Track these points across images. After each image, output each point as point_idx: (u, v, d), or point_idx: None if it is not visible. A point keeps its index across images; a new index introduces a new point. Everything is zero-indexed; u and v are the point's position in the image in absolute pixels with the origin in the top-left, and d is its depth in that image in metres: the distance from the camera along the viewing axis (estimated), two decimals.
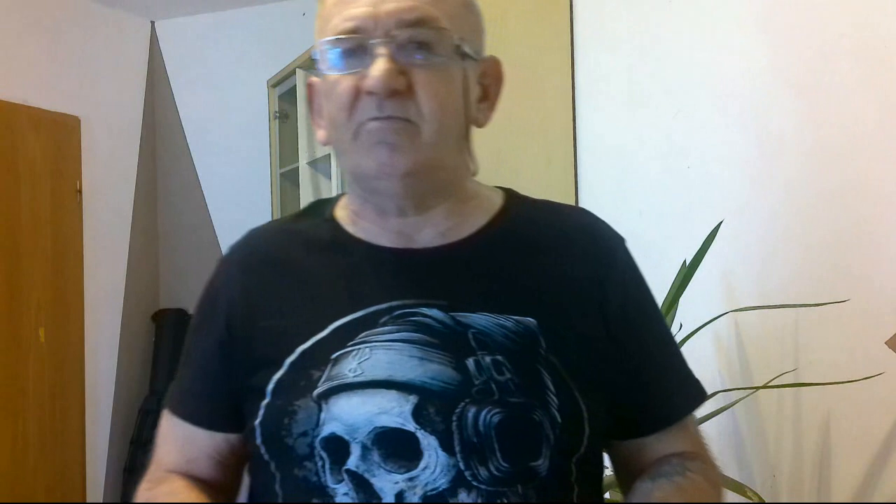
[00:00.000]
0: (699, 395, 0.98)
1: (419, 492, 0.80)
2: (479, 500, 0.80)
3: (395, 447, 0.81)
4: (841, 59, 1.65)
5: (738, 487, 1.59)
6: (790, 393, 1.74)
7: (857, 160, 1.62)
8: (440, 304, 0.87)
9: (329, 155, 3.39)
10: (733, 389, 1.75)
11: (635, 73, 2.21)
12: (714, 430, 1.82)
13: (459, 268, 0.91)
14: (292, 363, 0.87)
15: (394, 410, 0.81)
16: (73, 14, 4.16)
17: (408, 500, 0.80)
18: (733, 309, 1.79)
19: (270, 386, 0.87)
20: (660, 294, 1.76)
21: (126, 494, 4.14)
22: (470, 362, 0.84)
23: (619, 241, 0.98)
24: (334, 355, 0.86)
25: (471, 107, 0.91)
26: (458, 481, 0.80)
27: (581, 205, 2.37)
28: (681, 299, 1.77)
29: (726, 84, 1.93)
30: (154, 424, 1.01)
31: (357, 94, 0.86)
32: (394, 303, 0.87)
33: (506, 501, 0.80)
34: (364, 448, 0.81)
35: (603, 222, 1.00)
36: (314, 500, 0.83)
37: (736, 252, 1.86)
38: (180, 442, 0.96)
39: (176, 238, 4.61)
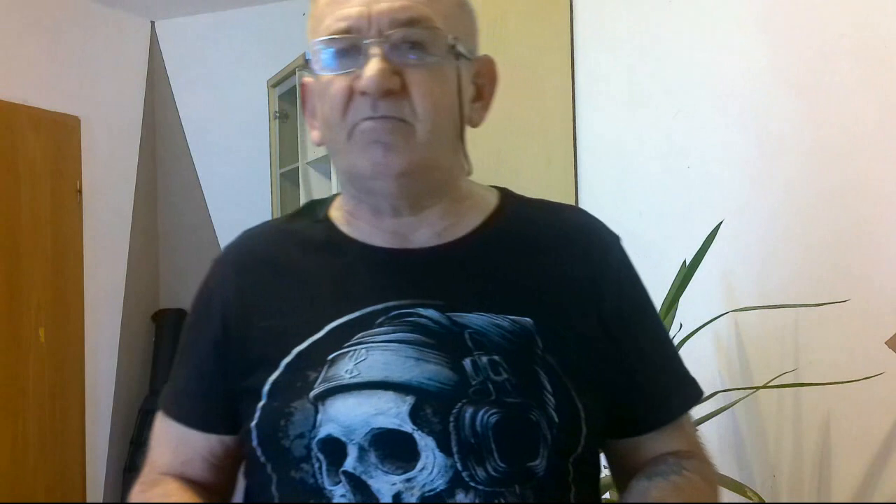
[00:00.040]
0: (695, 394, 0.98)
1: (417, 493, 0.79)
2: (477, 501, 0.79)
3: (393, 448, 0.81)
4: (841, 59, 1.65)
5: (738, 487, 1.59)
6: (790, 393, 1.74)
7: (857, 160, 1.62)
8: (436, 304, 0.87)
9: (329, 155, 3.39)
10: (733, 389, 1.75)
11: (635, 73, 2.21)
12: (714, 430, 1.82)
13: (455, 268, 0.91)
14: (288, 364, 0.86)
15: (391, 411, 0.81)
16: (73, 14, 4.16)
17: (405, 502, 0.79)
18: (733, 309, 1.79)
19: (266, 387, 0.86)
20: (660, 294, 1.77)
21: (126, 494, 4.14)
22: (467, 363, 0.83)
23: (614, 239, 0.98)
24: (330, 356, 0.85)
25: (465, 106, 0.91)
26: (455, 482, 0.80)
27: (581, 205, 2.37)
28: (681, 299, 1.77)
29: (726, 84, 1.93)
30: None
31: (351, 94, 0.85)
32: (390, 303, 0.87)
33: (503, 502, 0.80)
34: (361, 449, 0.81)
35: (598, 221, 1.00)
36: (311, 502, 0.82)
37: (736, 252, 1.86)
38: (174, 444, 0.95)
39: (176, 238, 4.61)
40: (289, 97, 4.02)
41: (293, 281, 0.93)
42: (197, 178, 4.60)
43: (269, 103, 4.20)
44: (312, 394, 0.84)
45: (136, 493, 0.93)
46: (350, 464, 0.81)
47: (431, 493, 0.79)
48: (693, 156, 2.02)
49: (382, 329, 0.86)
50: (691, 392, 0.98)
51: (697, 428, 1.58)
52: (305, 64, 0.90)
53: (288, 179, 4.06)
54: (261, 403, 0.86)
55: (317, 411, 0.83)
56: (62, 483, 3.95)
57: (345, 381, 0.83)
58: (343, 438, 0.82)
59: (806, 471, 1.72)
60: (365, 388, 0.82)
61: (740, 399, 1.72)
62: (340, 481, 0.81)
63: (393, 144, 0.84)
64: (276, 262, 0.95)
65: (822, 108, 1.69)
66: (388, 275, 0.90)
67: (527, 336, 0.86)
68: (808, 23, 1.72)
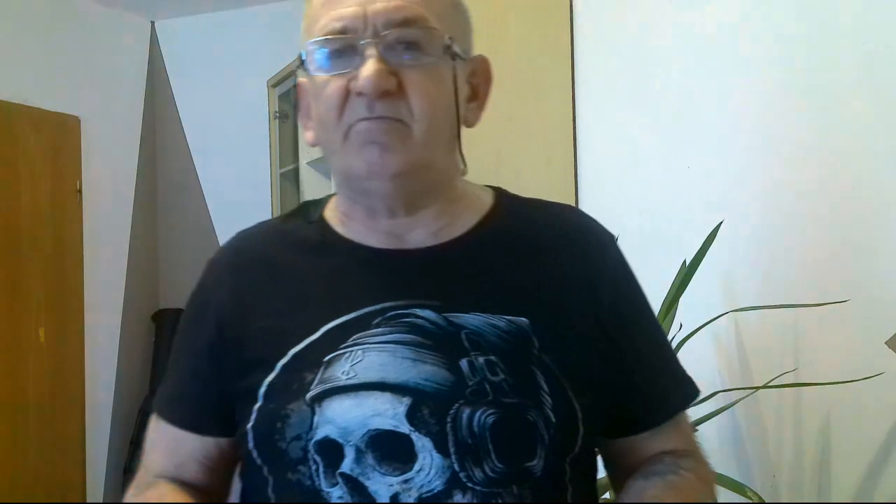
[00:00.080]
0: (691, 393, 0.98)
1: (414, 494, 0.79)
2: (475, 502, 0.79)
3: (390, 449, 0.80)
4: (841, 59, 1.65)
5: (738, 487, 1.59)
6: (790, 393, 1.73)
7: (857, 160, 1.62)
8: (432, 304, 0.86)
9: None
10: (733, 389, 1.75)
11: (635, 73, 2.21)
12: (714, 430, 1.82)
13: (451, 268, 0.91)
14: (284, 366, 0.86)
15: (387, 413, 0.81)
16: (73, 14, 4.16)
17: (403, 502, 0.79)
18: (733, 309, 1.79)
19: (262, 389, 0.86)
20: (660, 294, 1.77)
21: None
22: (463, 363, 0.83)
23: (609, 238, 0.98)
24: (327, 358, 0.85)
25: (461, 106, 0.90)
26: (453, 483, 0.79)
27: (581, 205, 2.37)
28: (681, 299, 1.77)
29: (726, 84, 1.93)
30: None
31: (347, 94, 0.85)
32: (386, 304, 0.87)
33: (501, 502, 0.80)
34: (358, 451, 0.81)
35: (593, 220, 1.00)
36: None
37: (736, 252, 1.86)
38: (169, 446, 0.95)
39: (176, 238, 4.61)
40: (289, 97, 4.02)
41: (288, 282, 0.92)
42: (197, 178, 4.60)
43: (269, 103, 4.20)
44: (309, 395, 0.83)
45: (130, 497, 0.92)
46: (347, 465, 0.81)
47: (429, 494, 0.79)
48: (693, 156, 2.02)
49: (379, 330, 0.85)
50: (688, 391, 0.98)
51: (696, 428, 1.58)
52: (301, 64, 0.89)
53: (288, 179, 4.06)
54: (257, 405, 0.86)
55: (313, 413, 0.82)
56: (62, 483, 3.95)
57: (341, 383, 0.83)
58: (340, 440, 0.81)
59: (806, 471, 1.72)
60: (361, 390, 0.82)
61: (740, 399, 1.72)
62: (337, 483, 0.81)
63: (389, 145, 0.84)
64: (270, 263, 0.94)
65: (823, 108, 1.69)
66: (383, 275, 0.90)
67: (523, 336, 0.86)
68: (809, 23, 1.72)
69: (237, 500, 0.94)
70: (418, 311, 0.86)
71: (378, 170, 0.85)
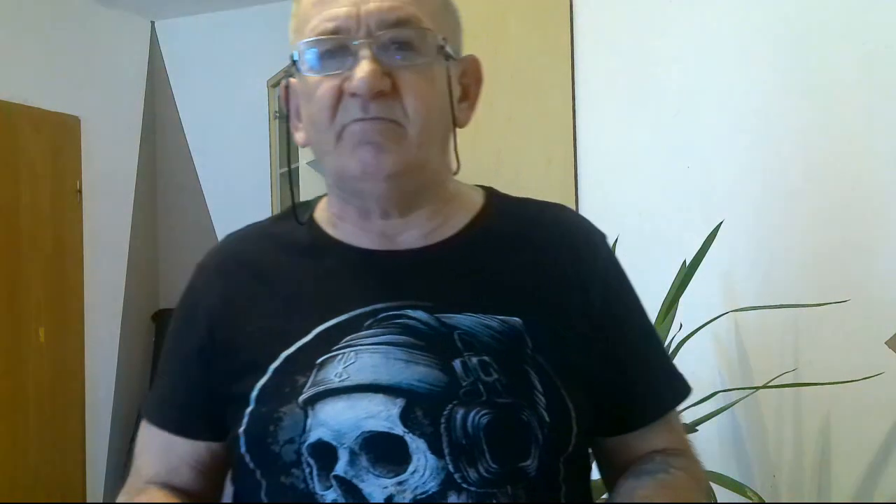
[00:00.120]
0: (683, 390, 0.98)
1: (409, 495, 0.79)
2: (469, 502, 0.79)
3: (384, 451, 0.80)
4: (841, 58, 1.65)
5: (738, 487, 1.59)
6: (790, 393, 1.74)
7: (857, 160, 1.62)
8: (425, 305, 0.86)
9: None
10: (733, 389, 1.75)
11: (635, 73, 2.21)
12: (714, 430, 1.82)
13: (443, 269, 0.90)
14: (276, 369, 0.85)
15: (381, 414, 0.80)
16: (73, 14, 4.16)
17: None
18: (733, 309, 1.79)
19: (254, 393, 0.85)
20: (660, 294, 1.77)
21: None
22: (457, 364, 0.83)
23: (601, 237, 0.97)
24: (319, 360, 0.84)
25: (454, 107, 0.90)
26: (447, 484, 0.79)
27: (581, 205, 2.37)
28: (681, 299, 1.77)
29: (726, 83, 1.93)
30: None
31: (340, 95, 0.84)
32: (378, 305, 0.86)
33: (496, 502, 0.80)
34: (352, 453, 0.80)
35: (584, 219, 1.00)
36: None
37: (736, 252, 1.86)
38: (160, 451, 0.94)
39: (176, 238, 4.62)
40: None
41: (279, 285, 0.92)
42: (197, 178, 4.60)
43: (269, 103, 4.20)
44: (301, 398, 0.83)
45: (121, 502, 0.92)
46: (341, 468, 0.80)
47: (424, 495, 0.79)
48: (693, 156, 2.02)
49: (371, 331, 0.85)
50: (679, 389, 0.97)
51: (696, 428, 1.58)
52: (292, 65, 0.89)
53: (288, 179, 4.07)
54: (249, 409, 0.85)
55: (306, 416, 0.82)
56: (62, 483, 3.96)
57: (334, 385, 0.82)
58: (333, 442, 0.81)
59: (806, 471, 1.72)
60: (355, 392, 0.82)
61: (740, 399, 1.72)
62: (331, 486, 0.80)
63: (384, 145, 0.84)
64: (260, 265, 0.94)
65: (822, 108, 1.69)
66: (374, 277, 0.89)
67: (516, 336, 0.85)
68: (809, 23, 1.72)
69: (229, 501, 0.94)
70: (410, 312, 0.85)
71: (372, 170, 0.84)
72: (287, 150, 3.92)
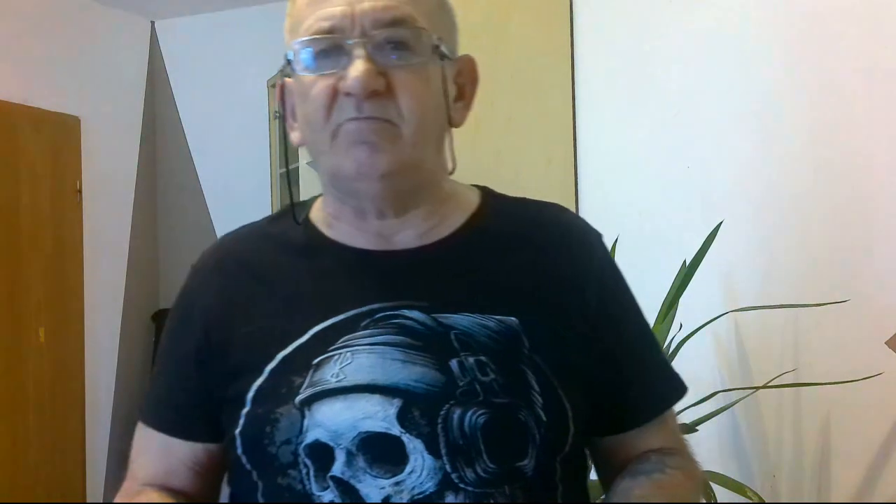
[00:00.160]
0: (679, 390, 0.98)
1: (406, 496, 0.79)
2: (467, 502, 0.79)
3: (381, 452, 0.80)
4: (840, 58, 1.65)
5: (738, 487, 1.59)
6: (790, 393, 1.74)
7: (856, 160, 1.62)
8: (421, 305, 0.86)
9: None
10: (733, 389, 1.75)
11: (635, 73, 2.21)
12: (714, 430, 1.82)
13: (439, 268, 0.90)
14: (273, 370, 0.85)
15: (378, 415, 0.80)
16: (73, 14, 4.16)
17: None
18: (733, 309, 1.79)
19: (251, 394, 0.85)
20: (660, 294, 1.77)
21: None
22: (453, 363, 0.83)
23: (596, 237, 0.97)
24: (315, 361, 0.84)
25: (449, 107, 0.90)
26: (444, 484, 0.79)
27: (581, 205, 2.37)
28: (681, 299, 1.77)
29: (726, 83, 1.93)
30: None
31: (335, 94, 0.84)
32: (374, 305, 0.86)
33: (493, 502, 0.80)
34: (349, 454, 0.80)
35: (580, 218, 1.00)
36: None
37: (736, 252, 1.86)
38: (158, 453, 0.94)
39: (176, 238, 4.62)
40: None
41: (275, 285, 0.91)
42: (197, 178, 4.60)
43: (268, 103, 4.20)
44: (298, 399, 0.82)
45: None
46: (338, 469, 0.80)
47: (421, 495, 0.79)
48: (693, 156, 2.02)
49: (367, 332, 0.85)
50: (675, 389, 0.97)
51: (696, 428, 1.58)
52: (287, 64, 0.88)
53: (287, 180, 4.07)
54: (245, 410, 0.85)
55: (303, 416, 0.82)
56: (62, 483, 3.96)
57: (331, 386, 0.82)
58: (330, 443, 0.81)
59: (806, 471, 1.72)
60: (351, 392, 0.81)
61: (740, 399, 1.72)
62: (328, 486, 0.80)
63: (379, 145, 0.83)
64: (256, 266, 0.93)
65: (822, 107, 1.69)
66: (371, 277, 0.89)
67: (513, 336, 0.85)
68: (809, 23, 1.72)
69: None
70: (406, 312, 0.85)
71: (367, 170, 0.84)
72: (286, 151, 3.91)
